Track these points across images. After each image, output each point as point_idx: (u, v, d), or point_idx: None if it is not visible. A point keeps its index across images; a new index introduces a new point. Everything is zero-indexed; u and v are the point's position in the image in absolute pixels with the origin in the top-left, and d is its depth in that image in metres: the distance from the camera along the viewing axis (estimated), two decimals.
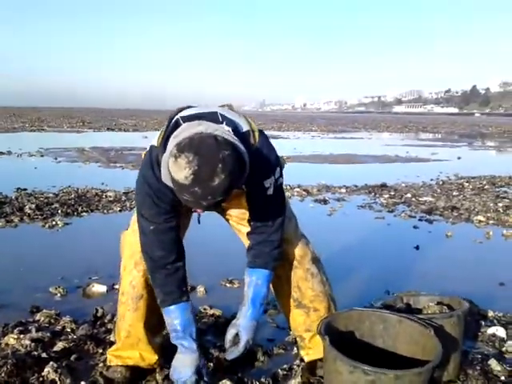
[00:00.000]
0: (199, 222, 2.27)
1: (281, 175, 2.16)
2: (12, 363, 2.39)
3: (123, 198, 7.06)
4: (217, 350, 2.70)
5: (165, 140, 1.96)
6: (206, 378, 2.18)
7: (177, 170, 1.71)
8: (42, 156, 13.09)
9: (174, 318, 2.17)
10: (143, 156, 2.16)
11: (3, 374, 2.34)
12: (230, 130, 1.92)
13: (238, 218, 2.42)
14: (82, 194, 7.21)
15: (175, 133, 1.91)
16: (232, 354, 2.20)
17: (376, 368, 1.88)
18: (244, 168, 1.85)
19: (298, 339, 2.60)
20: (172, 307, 2.17)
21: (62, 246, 4.82)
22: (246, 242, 2.39)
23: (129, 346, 2.41)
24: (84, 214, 6.18)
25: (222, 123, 1.95)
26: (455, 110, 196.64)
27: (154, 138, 2.11)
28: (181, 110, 2.11)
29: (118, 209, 6.44)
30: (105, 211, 6.32)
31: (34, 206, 6.22)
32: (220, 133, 1.82)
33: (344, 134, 29.45)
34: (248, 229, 2.34)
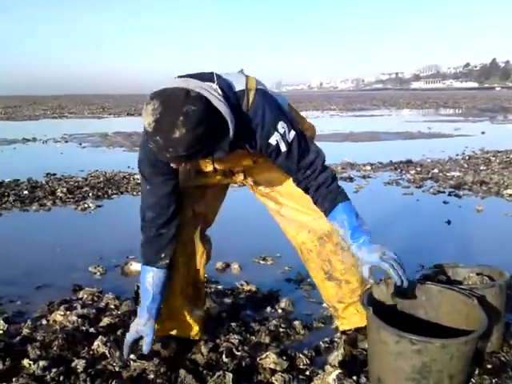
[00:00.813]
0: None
1: (290, 129, 2.05)
2: (62, 338, 2.49)
3: None
4: (257, 324, 2.75)
5: None
6: (144, 346, 2.22)
7: (144, 115, 1.73)
8: (66, 142, 13.29)
9: (142, 277, 2.26)
10: None
11: (55, 348, 2.43)
12: (218, 87, 1.88)
13: (265, 192, 2.44)
14: (111, 178, 7.32)
15: None
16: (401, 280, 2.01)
17: (422, 337, 1.89)
18: (217, 129, 1.82)
19: (331, 310, 2.64)
20: (144, 267, 2.26)
21: (96, 228, 4.93)
22: (278, 218, 2.47)
23: (167, 317, 2.46)
24: (114, 196, 6.29)
25: (213, 82, 1.91)
26: (475, 85, 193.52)
27: None
28: None
29: None
30: (134, 193, 6.40)
31: (65, 189, 6.35)
32: (198, 89, 1.78)
33: (363, 112, 29.25)
34: (276, 206, 2.43)
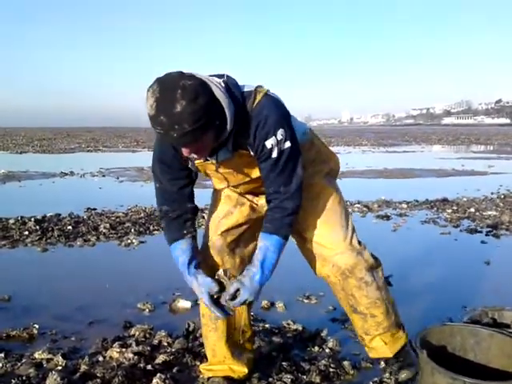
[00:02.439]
0: (195, 177, 2.33)
1: (287, 139, 2.09)
2: (122, 374, 2.57)
3: None
4: (307, 364, 2.81)
5: None
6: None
7: (146, 102, 1.82)
8: (103, 176, 13.55)
9: (175, 255, 2.28)
10: None
11: None
12: (222, 82, 1.99)
13: None
14: (151, 213, 7.40)
15: None
16: (226, 306, 2.20)
17: (475, 379, 1.94)
18: (217, 112, 1.90)
19: (359, 338, 2.70)
20: (173, 245, 2.30)
21: (141, 264, 5.04)
22: (303, 252, 2.55)
23: (217, 363, 2.54)
24: (156, 232, 6.38)
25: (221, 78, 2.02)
26: (507, 121, 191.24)
27: None
28: None
29: None
30: None
31: (108, 225, 6.48)
32: (196, 75, 1.88)
33: (395, 148, 29.25)
34: (300, 240, 2.49)
